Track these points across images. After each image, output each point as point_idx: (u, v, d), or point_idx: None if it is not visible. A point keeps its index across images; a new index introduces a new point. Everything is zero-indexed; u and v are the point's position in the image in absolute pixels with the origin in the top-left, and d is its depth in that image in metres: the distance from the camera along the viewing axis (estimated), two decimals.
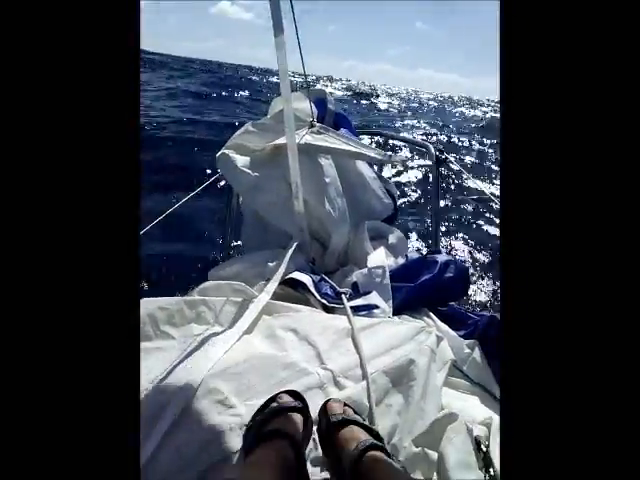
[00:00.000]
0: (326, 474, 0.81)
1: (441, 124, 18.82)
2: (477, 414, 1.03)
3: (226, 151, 1.78)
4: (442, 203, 2.06)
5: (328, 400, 0.90)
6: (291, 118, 1.44)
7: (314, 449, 0.84)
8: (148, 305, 1.33)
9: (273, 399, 0.90)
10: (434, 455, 0.81)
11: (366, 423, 0.83)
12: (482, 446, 0.89)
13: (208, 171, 5.37)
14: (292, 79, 1.44)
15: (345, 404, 0.91)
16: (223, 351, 1.03)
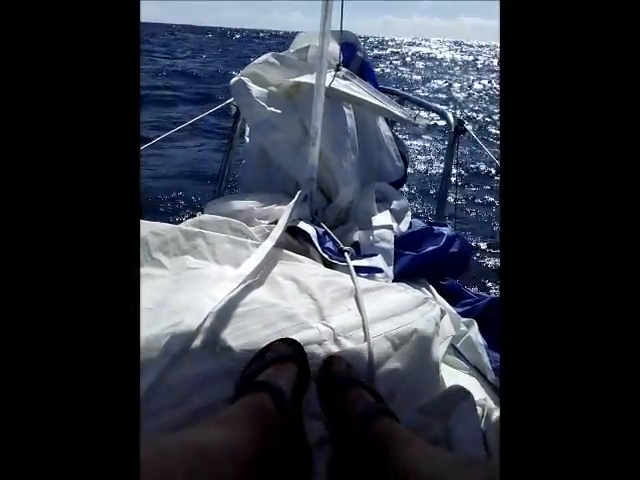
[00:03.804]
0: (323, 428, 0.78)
1: None
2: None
3: (243, 78, 1.64)
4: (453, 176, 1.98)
5: (332, 356, 0.87)
6: (324, 57, 1.32)
7: (312, 403, 0.81)
8: (141, 228, 1.24)
9: (268, 348, 0.85)
10: (438, 428, 0.79)
11: (370, 386, 0.80)
12: None
13: None
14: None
15: (347, 364, 0.87)
16: (227, 292, 0.96)
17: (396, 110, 1.73)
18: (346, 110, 1.72)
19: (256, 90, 1.64)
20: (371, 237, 1.52)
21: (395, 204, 1.92)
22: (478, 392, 1.04)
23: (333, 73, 1.74)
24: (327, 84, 1.67)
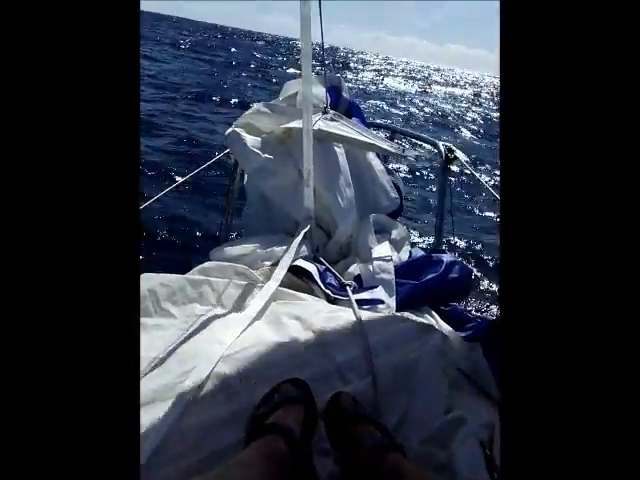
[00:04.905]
0: (332, 464, 0.80)
1: None
2: (479, 417, 1.03)
3: (236, 129, 1.73)
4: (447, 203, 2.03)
5: (338, 393, 0.89)
6: (309, 102, 1.40)
7: (322, 440, 0.83)
8: (149, 280, 1.29)
9: (275, 390, 0.88)
10: (442, 455, 0.80)
11: (378, 421, 0.82)
12: (486, 450, 0.89)
13: None
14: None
15: (354, 399, 0.90)
16: (234, 337, 1.00)
17: (384, 145, 1.81)
18: (337, 149, 1.80)
19: (250, 139, 1.73)
20: (371, 269, 1.56)
21: (394, 234, 1.97)
22: (486, 414, 1.05)
23: (321, 115, 1.83)
24: (316, 127, 1.76)
